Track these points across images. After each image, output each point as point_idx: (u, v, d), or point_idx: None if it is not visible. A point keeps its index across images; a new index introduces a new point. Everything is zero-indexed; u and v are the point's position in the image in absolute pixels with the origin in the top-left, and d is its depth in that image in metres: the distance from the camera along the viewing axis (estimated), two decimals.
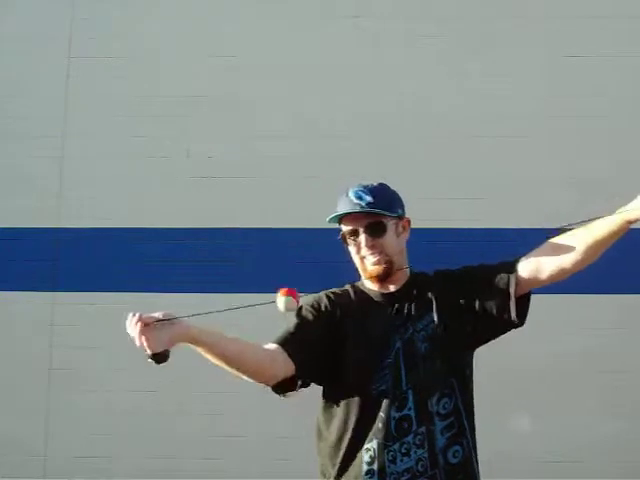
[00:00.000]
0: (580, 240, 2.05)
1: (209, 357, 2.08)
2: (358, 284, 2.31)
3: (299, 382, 2.16)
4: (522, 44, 5.26)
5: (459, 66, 5.26)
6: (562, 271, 2.09)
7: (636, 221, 1.95)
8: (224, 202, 5.20)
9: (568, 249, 2.07)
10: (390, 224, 2.23)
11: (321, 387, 2.26)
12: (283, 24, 5.38)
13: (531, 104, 5.16)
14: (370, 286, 2.27)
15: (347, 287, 2.32)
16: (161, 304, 5.54)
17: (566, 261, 2.07)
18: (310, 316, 2.23)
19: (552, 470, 4.74)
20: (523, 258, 2.17)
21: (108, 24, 5.44)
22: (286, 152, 5.19)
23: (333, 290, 2.31)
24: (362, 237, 2.20)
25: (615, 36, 5.22)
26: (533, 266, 2.13)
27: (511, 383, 4.68)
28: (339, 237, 2.27)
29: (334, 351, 2.17)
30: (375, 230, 2.20)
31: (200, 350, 2.06)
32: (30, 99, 5.38)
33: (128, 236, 5.21)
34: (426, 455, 2.10)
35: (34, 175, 5.29)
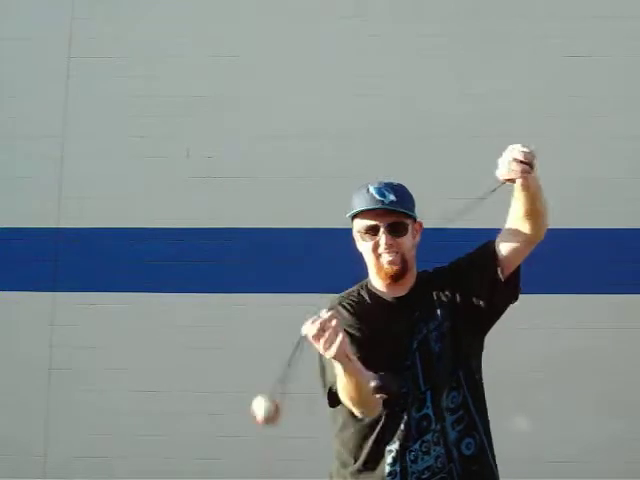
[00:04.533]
0: (518, 214, 2.16)
1: (346, 380, 1.96)
2: (368, 286, 2.29)
3: None
4: (522, 44, 5.26)
5: (459, 66, 5.26)
6: (528, 239, 2.16)
7: (518, 181, 2.05)
8: (224, 202, 5.20)
9: (522, 225, 2.15)
10: (410, 225, 2.22)
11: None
12: (283, 24, 5.38)
13: (531, 104, 5.16)
14: (381, 289, 2.25)
15: (357, 289, 2.30)
16: (161, 304, 5.58)
17: (527, 231, 2.15)
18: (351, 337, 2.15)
19: (552, 470, 4.74)
20: (497, 238, 2.21)
21: (108, 24, 5.44)
22: (286, 152, 5.20)
23: (349, 297, 2.26)
24: (382, 235, 2.17)
25: (615, 36, 5.22)
26: (506, 242, 2.18)
27: (510, 383, 4.68)
28: (355, 231, 2.24)
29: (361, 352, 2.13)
30: (396, 229, 2.18)
31: (342, 371, 1.94)
32: (30, 99, 5.38)
33: (128, 236, 5.21)
34: (443, 451, 2.11)
35: (34, 175, 5.29)
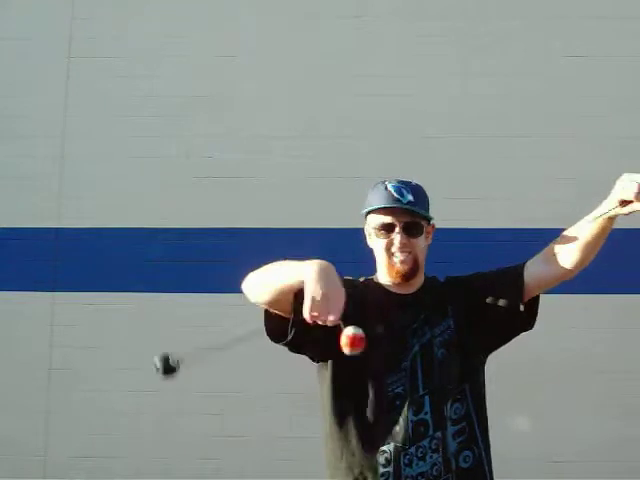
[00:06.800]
0: (577, 242, 2.08)
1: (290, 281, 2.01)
2: (375, 280, 2.28)
3: (291, 332, 2.11)
4: (522, 44, 5.26)
5: (459, 66, 5.26)
6: (565, 273, 2.12)
7: (616, 216, 2.00)
8: (224, 202, 5.20)
9: (568, 252, 2.09)
10: (424, 227, 2.22)
11: (322, 387, 2.24)
12: (283, 24, 5.38)
13: (531, 104, 5.16)
14: (387, 285, 2.25)
15: (363, 280, 2.29)
16: (161, 304, 5.57)
17: (567, 263, 2.10)
18: None
19: (552, 470, 4.74)
20: (528, 262, 2.18)
21: (108, 24, 5.44)
22: (286, 152, 5.20)
23: (351, 279, 2.25)
24: (398, 234, 2.16)
25: (615, 36, 5.22)
26: (538, 270, 2.15)
27: (511, 383, 4.68)
28: (371, 227, 2.22)
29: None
30: (412, 230, 2.18)
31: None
32: (30, 99, 5.38)
33: (128, 236, 5.21)
34: (440, 460, 2.10)
35: (34, 175, 5.29)
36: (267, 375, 4.81)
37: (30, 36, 5.44)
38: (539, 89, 5.18)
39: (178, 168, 5.26)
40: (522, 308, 2.14)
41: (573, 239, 2.09)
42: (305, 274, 1.93)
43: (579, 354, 4.85)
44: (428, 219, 2.24)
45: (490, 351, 2.26)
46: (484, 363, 2.27)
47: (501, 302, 2.17)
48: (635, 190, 1.92)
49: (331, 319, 1.85)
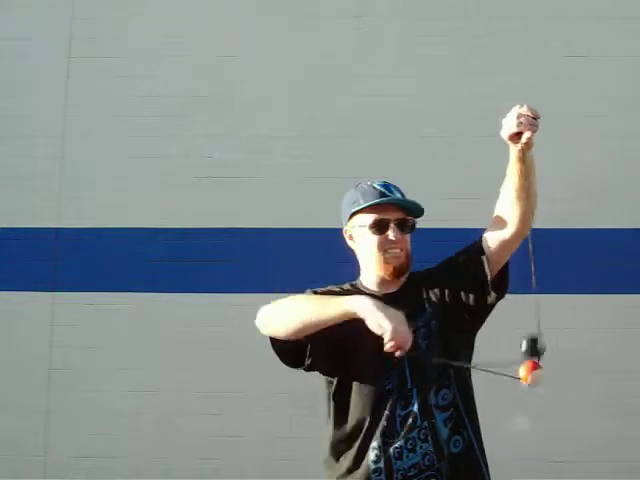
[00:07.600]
0: (511, 196, 2.12)
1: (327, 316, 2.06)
2: (357, 284, 2.29)
3: (307, 360, 2.13)
4: (522, 44, 5.26)
5: (459, 66, 5.26)
6: (518, 227, 2.14)
7: (522, 150, 2.06)
8: (224, 202, 5.20)
9: (511, 208, 2.13)
10: (415, 224, 2.22)
11: (324, 390, 2.25)
12: (283, 24, 5.39)
13: (531, 104, 5.15)
14: (371, 287, 2.25)
15: (348, 286, 2.29)
16: (161, 304, 5.56)
17: (515, 217, 2.13)
18: None
19: (552, 470, 4.74)
20: (485, 234, 2.20)
21: (108, 24, 5.44)
22: (286, 152, 5.20)
23: (339, 286, 2.27)
24: (392, 230, 2.16)
25: (615, 36, 5.22)
26: (494, 237, 2.17)
27: (510, 383, 4.67)
28: (352, 227, 2.21)
29: (342, 348, 2.14)
30: (404, 226, 2.18)
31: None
32: (30, 99, 5.38)
33: (128, 236, 5.22)
34: (431, 449, 2.10)
35: (34, 175, 5.29)
36: (267, 375, 4.79)
37: (30, 36, 5.44)
38: (539, 89, 5.18)
39: (178, 168, 5.27)
40: (490, 278, 2.16)
41: (506, 197, 2.13)
42: (359, 308, 1.99)
43: (579, 354, 4.84)
44: (420, 214, 2.23)
45: (472, 329, 2.26)
46: (470, 347, 2.26)
47: (472, 283, 2.18)
48: (515, 122, 2.00)
49: (408, 346, 1.95)
